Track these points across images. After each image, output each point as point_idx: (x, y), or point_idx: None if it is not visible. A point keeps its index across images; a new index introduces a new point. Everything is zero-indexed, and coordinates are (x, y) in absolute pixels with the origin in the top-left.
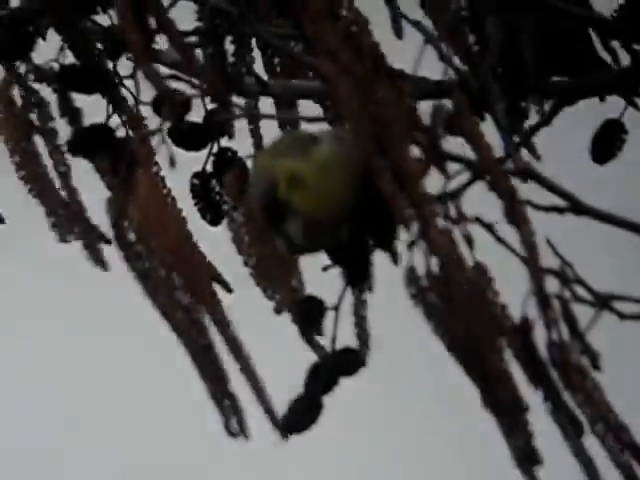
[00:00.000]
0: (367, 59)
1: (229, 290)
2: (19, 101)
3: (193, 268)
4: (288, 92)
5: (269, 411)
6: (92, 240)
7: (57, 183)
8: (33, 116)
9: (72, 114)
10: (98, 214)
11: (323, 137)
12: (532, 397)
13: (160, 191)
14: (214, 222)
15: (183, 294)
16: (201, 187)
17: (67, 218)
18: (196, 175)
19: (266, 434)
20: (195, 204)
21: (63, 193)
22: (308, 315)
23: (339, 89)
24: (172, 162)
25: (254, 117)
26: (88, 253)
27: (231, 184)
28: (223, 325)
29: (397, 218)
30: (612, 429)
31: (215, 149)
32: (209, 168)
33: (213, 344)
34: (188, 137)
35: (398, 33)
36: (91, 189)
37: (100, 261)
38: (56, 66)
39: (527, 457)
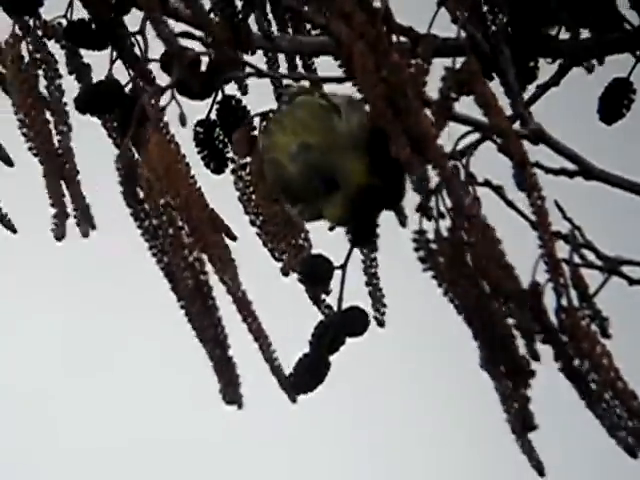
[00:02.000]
0: (380, 21)
1: (233, 238)
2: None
3: (205, 225)
4: (295, 47)
5: (277, 370)
6: (62, 214)
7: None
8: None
9: (81, 71)
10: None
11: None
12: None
13: (170, 148)
14: (218, 170)
15: (192, 251)
16: (205, 135)
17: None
18: (200, 123)
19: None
20: (198, 152)
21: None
22: (315, 274)
23: (353, 52)
24: (183, 121)
25: (263, 75)
26: (54, 224)
27: (239, 142)
28: (234, 284)
29: (415, 178)
30: (620, 396)
31: (219, 98)
32: (213, 116)
33: (217, 307)
34: (192, 86)
35: None
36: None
37: (60, 234)
38: (64, 22)
39: (523, 422)
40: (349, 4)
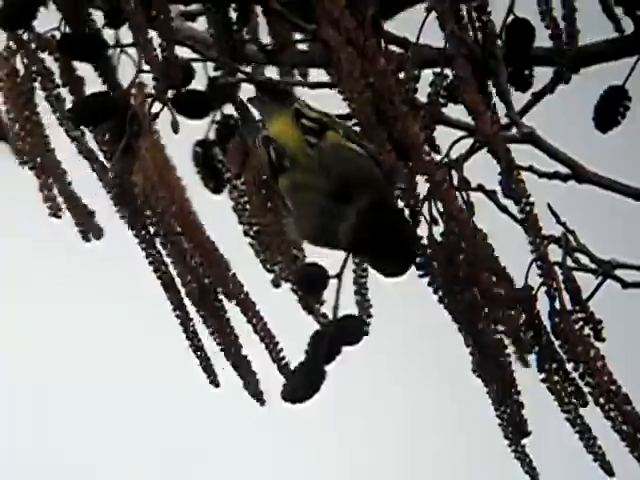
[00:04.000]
0: (369, 27)
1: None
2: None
3: (199, 232)
4: (289, 59)
5: (284, 370)
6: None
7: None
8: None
9: (74, 83)
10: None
11: None
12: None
13: (164, 158)
14: (216, 190)
15: (192, 257)
16: (203, 155)
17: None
18: (198, 143)
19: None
20: (197, 172)
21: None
22: (310, 283)
23: (341, 58)
24: (175, 128)
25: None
26: (80, 228)
27: (234, 153)
28: (234, 287)
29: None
30: (614, 400)
31: (218, 117)
32: (211, 136)
33: (225, 309)
34: (191, 105)
35: None
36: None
37: (88, 237)
38: (58, 35)
39: (515, 428)
40: (338, 10)
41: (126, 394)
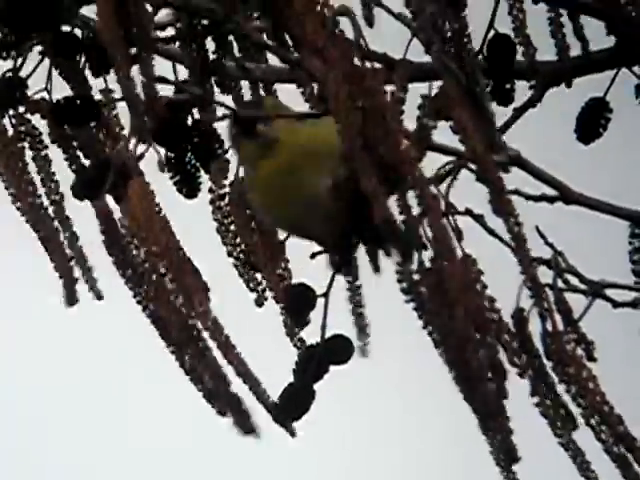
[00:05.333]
0: (354, 53)
1: (207, 290)
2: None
3: (185, 271)
4: (268, 76)
5: (264, 401)
6: (72, 280)
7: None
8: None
9: (64, 140)
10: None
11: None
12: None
13: (149, 195)
14: (190, 195)
15: (177, 297)
16: (176, 160)
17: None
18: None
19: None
20: (170, 177)
21: (56, 222)
22: (298, 303)
23: (328, 85)
24: (162, 167)
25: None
26: (65, 291)
27: (218, 172)
28: (216, 329)
29: (378, 216)
30: (607, 421)
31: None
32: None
33: (209, 347)
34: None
35: (369, 21)
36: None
37: (72, 301)
38: (46, 96)
39: (506, 454)
40: (322, 39)
41: (124, 394)
